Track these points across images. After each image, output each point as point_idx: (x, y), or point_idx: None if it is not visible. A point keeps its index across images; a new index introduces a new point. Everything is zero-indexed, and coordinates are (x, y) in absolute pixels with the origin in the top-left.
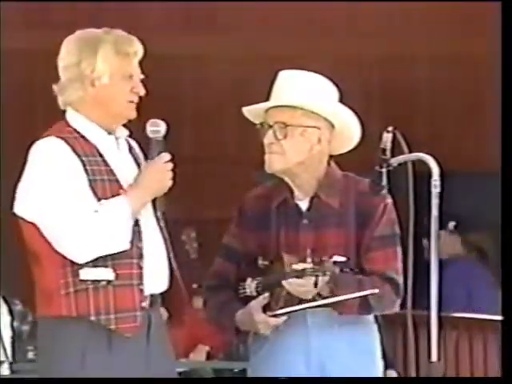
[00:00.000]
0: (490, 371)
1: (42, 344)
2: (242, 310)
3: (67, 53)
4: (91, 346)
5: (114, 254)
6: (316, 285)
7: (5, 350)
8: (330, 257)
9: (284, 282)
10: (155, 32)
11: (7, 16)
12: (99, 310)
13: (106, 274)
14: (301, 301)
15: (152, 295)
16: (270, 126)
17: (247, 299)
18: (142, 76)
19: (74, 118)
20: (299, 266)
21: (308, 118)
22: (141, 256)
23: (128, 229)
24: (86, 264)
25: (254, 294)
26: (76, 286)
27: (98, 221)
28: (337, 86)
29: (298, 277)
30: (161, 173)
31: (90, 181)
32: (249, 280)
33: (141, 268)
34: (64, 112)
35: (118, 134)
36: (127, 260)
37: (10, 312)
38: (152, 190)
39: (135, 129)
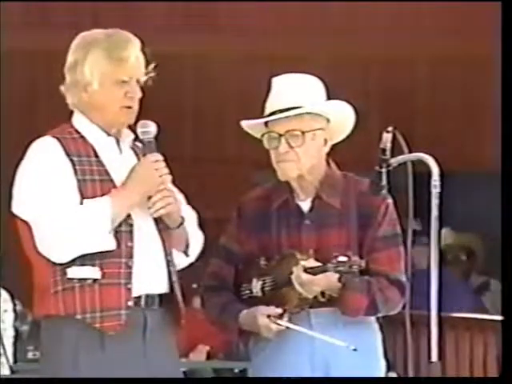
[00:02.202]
0: (490, 371)
1: (41, 343)
2: (247, 310)
3: (70, 54)
4: (83, 345)
5: (102, 252)
6: (340, 279)
7: (5, 349)
8: (336, 256)
9: (295, 280)
10: (156, 31)
11: (7, 16)
12: (85, 309)
13: (92, 272)
14: (311, 302)
15: (147, 295)
16: (280, 136)
17: (251, 300)
18: (142, 78)
19: (77, 118)
20: (316, 263)
21: (315, 121)
22: (130, 256)
23: (106, 229)
24: (74, 263)
25: (260, 294)
26: (64, 285)
27: (74, 221)
28: (337, 86)
29: (312, 274)
30: (146, 173)
31: (78, 181)
32: (254, 280)
33: (130, 267)
34: (72, 112)
35: (123, 138)
36: (115, 259)
37: (14, 310)
38: (138, 190)
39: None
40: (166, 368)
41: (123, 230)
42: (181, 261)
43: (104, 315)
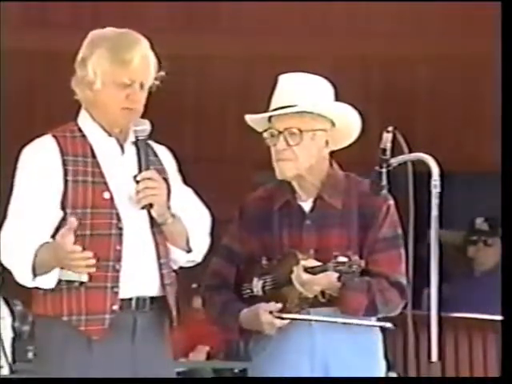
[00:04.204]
0: (490, 371)
1: (35, 341)
2: (248, 309)
3: (81, 50)
4: (70, 346)
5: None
6: (339, 278)
7: (4, 351)
8: (336, 256)
9: (295, 279)
10: (156, 32)
11: (7, 16)
12: (71, 311)
13: (79, 275)
14: (311, 301)
15: (138, 298)
16: (280, 133)
17: (251, 299)
18: (148, 81)
19: (82, 116)
20: (316, 262)
21: (316, 121)
22: (118, 259)
23: (28, 276)
24: None
25: (261, 293)
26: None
27: (8, 247)
28: (337, 86)
29: (312, 273)
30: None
31: (66, 181)
32: (255, 280)
33: (117, 271)
34: (78, 111)
35: (128, 139)
36: (103, 262)
37: (12, 313)
38: (52, 264)
39: None
40: (157, 370)
41: (112, 233)
42: (181, 258)
43: (89, 319)
